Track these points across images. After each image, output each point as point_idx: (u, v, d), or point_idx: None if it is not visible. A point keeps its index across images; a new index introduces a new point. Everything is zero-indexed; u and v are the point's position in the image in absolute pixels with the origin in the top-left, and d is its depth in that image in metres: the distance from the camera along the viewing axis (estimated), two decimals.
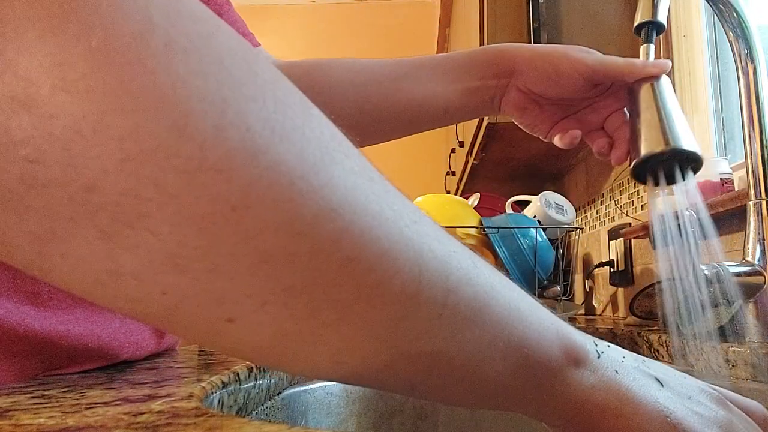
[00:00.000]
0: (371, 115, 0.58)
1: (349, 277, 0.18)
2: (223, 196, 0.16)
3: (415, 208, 0.21)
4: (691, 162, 0.44)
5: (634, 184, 1.28)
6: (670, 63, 0.48)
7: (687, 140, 0.43)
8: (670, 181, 0.45)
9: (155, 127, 0.15)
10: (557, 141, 0.55)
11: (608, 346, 0.27)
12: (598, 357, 0.26)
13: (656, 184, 0.45)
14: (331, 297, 0.18)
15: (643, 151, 0.44)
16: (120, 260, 0.16)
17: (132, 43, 0.15)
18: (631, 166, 0.45)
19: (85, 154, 0.14)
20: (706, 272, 0.58)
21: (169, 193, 0.15)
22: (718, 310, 0.61)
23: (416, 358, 0.22)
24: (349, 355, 0.20)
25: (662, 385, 0.27)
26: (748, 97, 0.65)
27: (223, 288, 0.17)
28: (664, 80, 0.48)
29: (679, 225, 0.46)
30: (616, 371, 0.26)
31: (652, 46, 0.52)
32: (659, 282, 0.85)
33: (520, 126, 0.57)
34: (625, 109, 0.52)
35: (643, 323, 0.90)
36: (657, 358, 0.72)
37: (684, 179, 0.45)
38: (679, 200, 0.45)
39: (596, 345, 0.27)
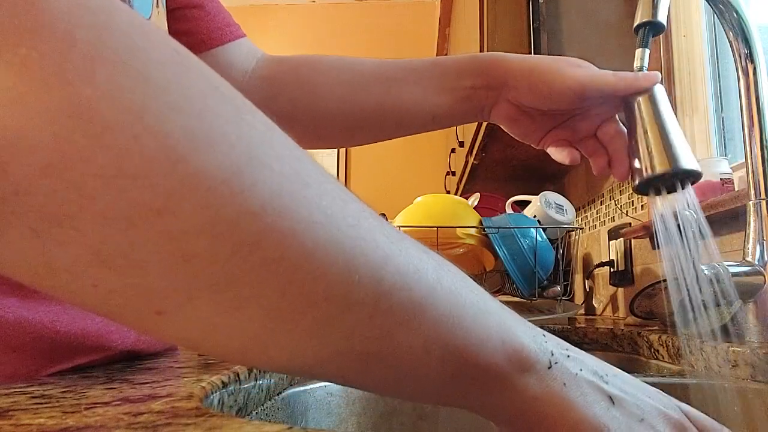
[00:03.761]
0: (358, 116, 0.58)
1: (271, 277, 0.19)
2: (143, 200, 0.17)
3: (356, 211, 0.22)
4: (691, 176, 0.47)
5: None
6: (659, 75, 0.48)
7: (688, 159, 0.46)
8: (670, 190, 0.48)
9: (73, 135, 0.16)
10: (553, 153, 0.55)
11: (567, 356, 0.27)
12: (549, 367, 0.26)
13: (657, 193, 0.48)
14: (255, 294, 0.19)
15: (648, 171, 0.46)
16: (52, 255, 0.17)
17: (54, 58, 0.16)
18: (636, 183, 0.48)
19: (11, 161, 0.16)
20: (706, 272, 0.58)
21: (89, 195, 0.16)
22: (718, 310, 0.61)
23: (347, 356, 0.22)
24: (277, 349, 0.21)
25: (613, 403, 0.26)
26: (748, 97, 0.65)
27: (150, 283, 0.18)
28: (659, 90, 0.48)
29: (679, 225, 0.47)
30: (565, 384, 0.26)
31: (647, 51, 0.52)
32: (660, 282, 0.85)
33: (510, 134, 0.56)
34: (618, 117, 0.52)
35: (643, 323, 0.90)
36: (657, 358, 0.72)
37: (683, 188, 0.47)
38: (679, 202, 0.47)
39: (552, 354, 0.26)
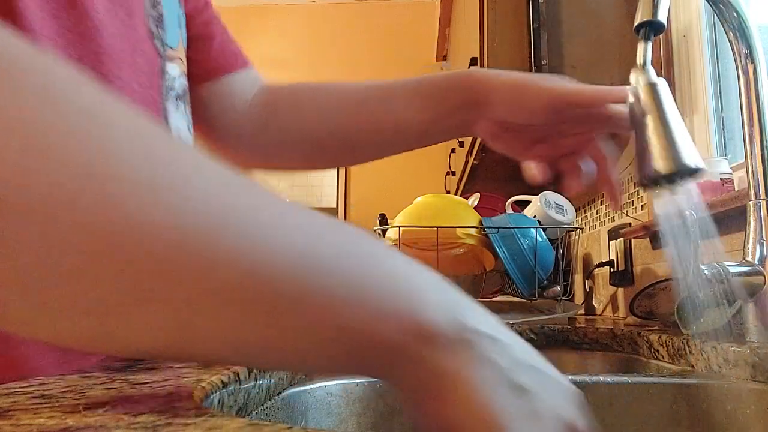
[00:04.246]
0: (345, 139, 0.61)
1: (132, 279, 0.19)
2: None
3: (234, 202, 0.21)
4: (695, 173, 0.47)
5: (634, 184, 1.28)
6: (628, 91, 0.49)
7: (692, 157, 0.46)
8: (674, 184, 0.48)
9: None
10: (527, 170, 0.57)
11: (490, 336, 0.26)
12: (457, 343, 0.25)
13: (661, 187, 0.48)
14: (113, 301, 0.20)
15: (653, 170, 0.47)
16: None
17: None
18: (643, 180, 0.48)
19: None
20: (706, 272, 0.58)
21: None
22: (718, 310, 0.61)
23: (232, 345, 0.22)
24: (158, 340, 0.22)
25: (517, 394, 0.25)
26: (748, 97, 0.65)
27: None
28: (662, 85, 0.49)
29: (683, 223, 0.47)
30: (471, 363, 0.25)
31: (649, 45, 0.52)
32: (660, 282, 0.85)
33: (495, 150, 0.58)
34: (600, 137, 0.53)
35: (643, 323, 0.90)
36: (657, 358, 0.72)
37: (689, 180, 0.47)
38: (682, 201, 0.47)
39: (465, 330, 0.25)
